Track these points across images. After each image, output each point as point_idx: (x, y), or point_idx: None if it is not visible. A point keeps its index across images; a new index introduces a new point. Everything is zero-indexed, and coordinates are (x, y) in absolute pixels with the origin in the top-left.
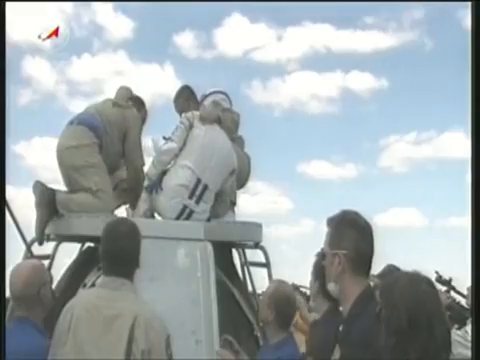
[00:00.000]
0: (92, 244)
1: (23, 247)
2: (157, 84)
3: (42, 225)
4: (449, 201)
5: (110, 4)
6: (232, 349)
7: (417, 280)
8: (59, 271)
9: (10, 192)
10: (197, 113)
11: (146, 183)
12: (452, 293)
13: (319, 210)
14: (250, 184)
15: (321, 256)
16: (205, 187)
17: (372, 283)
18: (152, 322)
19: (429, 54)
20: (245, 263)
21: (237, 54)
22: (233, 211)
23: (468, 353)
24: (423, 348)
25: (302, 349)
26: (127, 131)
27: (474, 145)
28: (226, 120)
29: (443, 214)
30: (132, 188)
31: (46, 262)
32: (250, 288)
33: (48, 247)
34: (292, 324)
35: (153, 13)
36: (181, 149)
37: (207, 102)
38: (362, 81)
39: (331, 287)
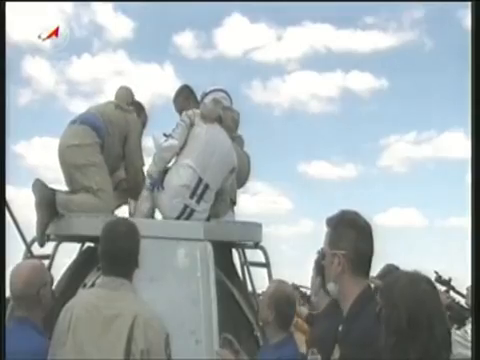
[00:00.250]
0: (92, 244)
1: (23, 247)
2: (157, 84)
3: (43, 227)
4: (449, 201)
5: (110, 4)
6: (232, 348)
7: (417, 280)
8: (59, 271)
9: (10, 192)
10: (198, 111)
11: (148, 181)
12: (451, 293)
13: (319, 210)
14: (250, 184)
15: (321, 255)
16: (206, 186)
17: (373, 285)
18: (151, 322)
19: (429, 54)
20: (245, 263)
21: (237, 54)
22: (233, 211)
23: (468, 353)
24: (423, 348)
25: (302, 349)
26: (128, 134)
27: (474, 145)
28: (226, 119)
29: (443, 214)
30: (132, 189)
31: (46, 262)
32: (250, 288)
33: (48, 247)
34: (292, 324)
35: (153, 13)
36: (182, 147)
37: (207, 100)
38: (362, 81)
39: (330, 287)
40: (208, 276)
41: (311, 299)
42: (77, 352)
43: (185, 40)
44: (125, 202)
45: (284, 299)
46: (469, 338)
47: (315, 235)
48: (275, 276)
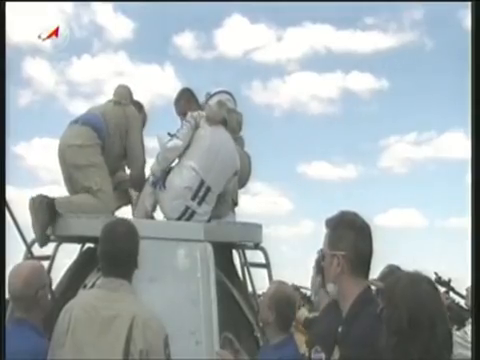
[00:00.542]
0: (92, 245)
1: (23, 248)
2: (157, 85)
3: (43, 227)
4: (449, 202)
5: (110, 5)
6: (232, 347)
7: (418, 280)
8: (59, 272)
9: (10, 193)
10: (203, 113)
11: (151, 179)
12: (451, 294)
13: (319, 211)
14: (250, 185)
15: (321, 256)
16: (208, 189)
17: (374, 287)
18: (150, 322)
19: (429, 55)
20: (245, 264)
21: (237, 55)
22: (233, 212)
23: (468, 353)
24: (424, 347)
25: (302, 350)
26: (129, 129)
27: (474, 146)
28: (231, 121)
29: (443, 215)
30: (135, 183)
31: (46, 263)
32: (250, 289)
33: (48, 248)
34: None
35: (153, 14)
36: (186, 148)
37: (212, 102)
38: (362, 81)
39: (330, 288)
40: (208, 277)
41: (312, 299)
42: (76, 353)
43: (185, 41)
44: (125, 203)
45: (285, 300)
46: (469, 339)
47: (315, 236)
48: (275, 277)
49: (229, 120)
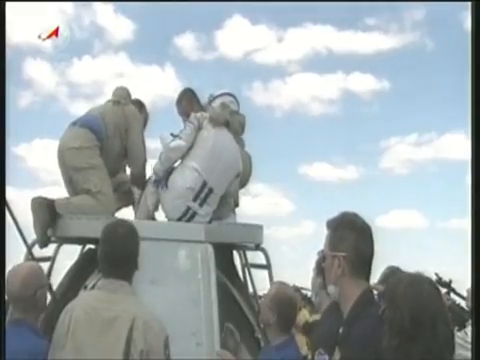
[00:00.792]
0: (93, 246)
1: (24, 249)
2: (158, 86)
3: (44, 228)
4: (450, 203)
5: (111, 6)
6: (233, 338)
7: (419, 281)
8: (60, 273)
9: (11, 194)
10: (206, 114)
11: (153, 178)
12: (452, 295)
13: (320, 212)
14: (251, 186)
15: (322, 257)
16: (210, 190)
17: (376, 292)
18: (150, 323)
19: (430, 56)
20: (246, 265)
21: (238, 56)
22: (234, 213)
23: (468, 355)
24: (426, 348)
25: (303, 351)
26: (129, 128)
27: (474, 146)
28: (234, 123)
29: (444, 216)
30: (137, 180)
31: (47, 264)
32: (251, 290)
33: (49, 249)
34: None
35: (154, 15)
36: (189, 149)
37: (216, 104)
38: (363, 82)
39: (331, 289)
40: (209, 278)
41: (312, 300)
42: (76, 354)
43: (186, 42)
44: (126, 204)
45: (286, 301)
46: (469, 340)
47: (316, 237)
48: (276, 278)
49: (232, 122)
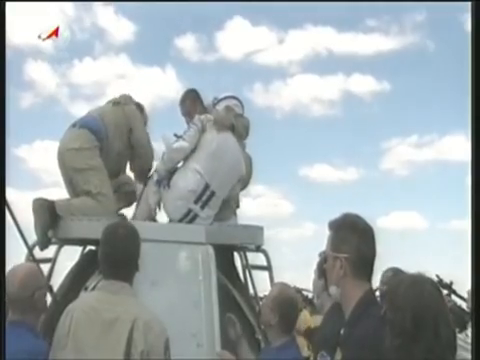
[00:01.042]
0: (94, 247)
1: (24, 250)
2: (159, 87)
3: (44, 229)
4: (450, 204)
5: (111, 7)
6: (234, 329)
7: (421, 281)
8: (61, 274)
9: (11, 195)
10: (211, 117)
11: (155, 177)
12: (452, 296)
13: (321, 213)
14: (251, 187)
15: (323, 259)
16: (212, 193)
17: (378, 293)
18: (151, 325)
19: (431, 57)
20: (246, 266)
21: (239, 57)
22: (235, 214)
23: (468, 356)
24: (428, 349)
25: (304, 353)
26: (132, 127)
27: (474, 148)
28: (238, 126)
29: (444, 217)
30: (143, 174)
31: (48, 265)
32: (251, 291)
33: (50, 250)
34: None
35: (154, 16)
36: (192, 151)
37: (220, 107)
38: (364, 84)
39: (332, 291)
40: (210, 279)
41: (314, 301)
42: (77, 355)
43: (187, 43)
44: (126, 205)
45: (287, 302)
46: (470, 341)
47: (317, 238)
48: (277, 279)
49: (236, 126)
